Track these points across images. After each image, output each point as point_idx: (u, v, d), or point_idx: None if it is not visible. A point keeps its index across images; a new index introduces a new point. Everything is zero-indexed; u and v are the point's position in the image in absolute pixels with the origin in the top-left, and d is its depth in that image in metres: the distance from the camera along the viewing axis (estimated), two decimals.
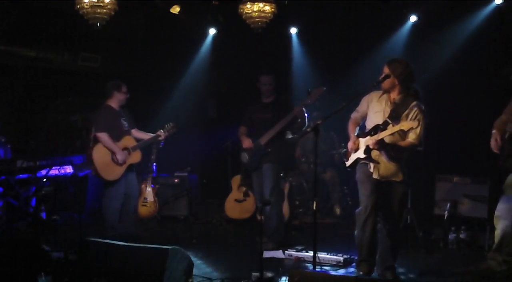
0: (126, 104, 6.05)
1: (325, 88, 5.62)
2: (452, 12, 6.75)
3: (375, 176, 4.47)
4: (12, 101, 7.67)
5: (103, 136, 5.73)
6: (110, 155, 5.78)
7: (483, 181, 5.95)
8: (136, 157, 5.96)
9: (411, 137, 4.36)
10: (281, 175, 6.25)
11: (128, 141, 5.94)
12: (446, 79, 6.86)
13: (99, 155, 5.74)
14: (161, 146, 6.35)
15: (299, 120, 5.78)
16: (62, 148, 7.52)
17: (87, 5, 5.20)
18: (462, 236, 5.84)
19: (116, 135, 5.85)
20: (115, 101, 5.94)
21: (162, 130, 6.16)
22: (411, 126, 4.20)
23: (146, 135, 6.16)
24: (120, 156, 5.78)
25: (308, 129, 4.41)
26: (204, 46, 8.12)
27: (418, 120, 4.26)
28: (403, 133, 4.36)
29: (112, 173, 5.79)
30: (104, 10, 5.25)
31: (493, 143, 4.64)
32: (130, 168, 5.94)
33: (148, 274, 3.94)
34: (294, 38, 8.07)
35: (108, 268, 4.07)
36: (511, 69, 4.70)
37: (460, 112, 6.64)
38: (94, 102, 8.21)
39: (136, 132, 6.13)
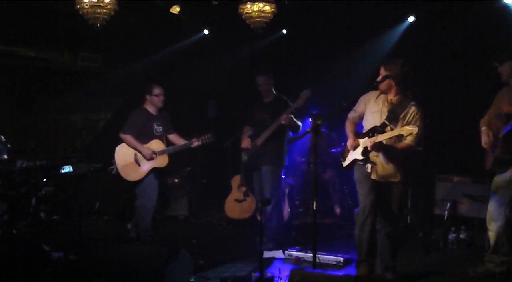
0: (165, 107, 6.00)
1: (310, 91, 5.56)
2: (454, 11, 6.74)
3: (373, 176, 4.47)
4: (12, 101, 7.67)
5: (126, 137, 5.77)
6: (133, 156, 5.78)
7: (483, 181, 5.93)
8: (161, 161, 5.84)
9: (409, 139, 4.35)
10: (282, 176, 6.24)
11: (156, 145, 5.86)
12: (446, 79, 6.86)
13: (120, 154, 5.78)
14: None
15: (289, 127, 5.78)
16: (62, 147, 7.53)
17: (87, 5, 5.20)
18: (462, 236, 5.84)
19: (144, 139, 5.82)
20: (150, 104, 5.94)
21: (196, 139, 5.92)
22: (410, 132, 4.19)
23: (181, 141, 6.01)
24: (145, 152, 5.73)
25: (308, 130, 4.40)
26: (189, 41, 8.05)
27: (418, 125, 4.25)
28: (401, 136, 4.36)
29: (133, 173, 5.77)
30: (104, 10, 5.25)
31: (484, 138, 4.66)
32: (154, 172, 5.84)
33: (148, 275, 3.95)
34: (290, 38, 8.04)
35: (108, 268, 4.07)
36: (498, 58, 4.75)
37: (460, 112, 6.64)
38: (94, 102, 8.26)
39: (174, 137, 6.04)
